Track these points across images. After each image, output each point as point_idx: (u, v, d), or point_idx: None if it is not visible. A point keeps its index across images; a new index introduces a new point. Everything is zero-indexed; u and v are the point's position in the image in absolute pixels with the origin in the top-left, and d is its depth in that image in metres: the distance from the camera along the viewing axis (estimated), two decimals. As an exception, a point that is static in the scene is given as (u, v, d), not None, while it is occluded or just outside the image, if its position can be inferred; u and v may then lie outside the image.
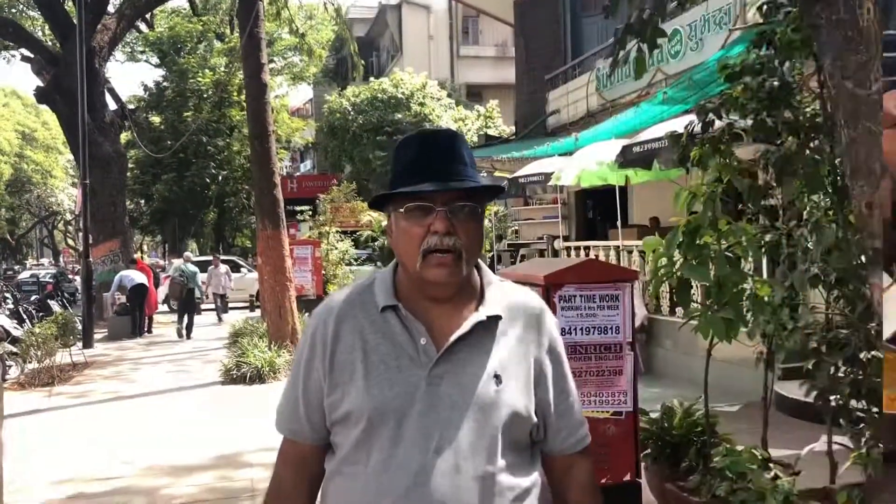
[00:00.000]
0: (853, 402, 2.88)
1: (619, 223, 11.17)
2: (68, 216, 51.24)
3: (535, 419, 1.50)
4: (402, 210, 1.48)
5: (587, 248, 11.83)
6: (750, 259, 4.06)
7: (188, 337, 15.91)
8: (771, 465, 3.95)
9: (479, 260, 1.57)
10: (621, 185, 11.44)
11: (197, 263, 18.83)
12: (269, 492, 1.59)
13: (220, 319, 18.75)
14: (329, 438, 1.53)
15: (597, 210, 16.03)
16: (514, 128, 20.51)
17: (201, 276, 18.07)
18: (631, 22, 2.73)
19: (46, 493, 5.50)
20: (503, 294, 1.56)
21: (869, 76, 2.00)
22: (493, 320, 1.50)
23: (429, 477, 1.38)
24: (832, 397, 3.02)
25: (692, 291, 4.34)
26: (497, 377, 1.45)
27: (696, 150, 3.72)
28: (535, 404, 1.50)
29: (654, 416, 4.73)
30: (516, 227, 19.44)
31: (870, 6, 1.98)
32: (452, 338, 1.47)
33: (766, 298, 3.91)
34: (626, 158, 9.21)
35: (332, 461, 1.51)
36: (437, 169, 1.47)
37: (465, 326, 1.48)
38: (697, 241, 4.06)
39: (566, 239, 14.64)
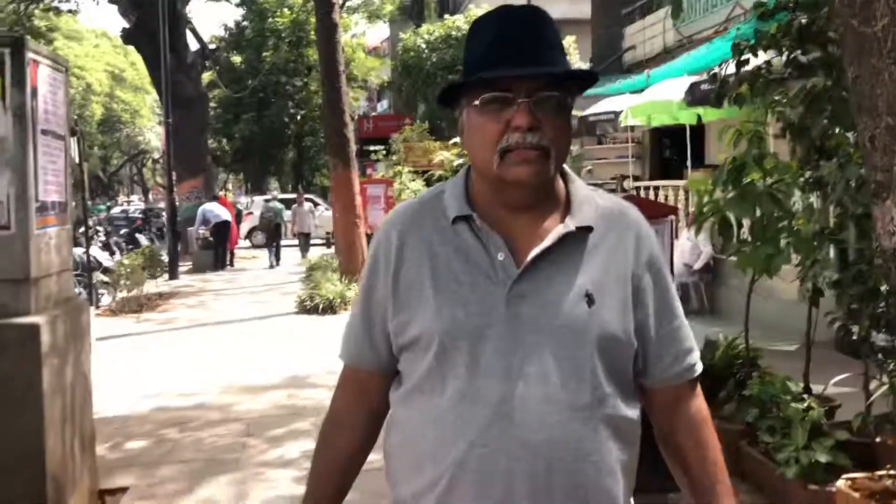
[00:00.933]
0: (877, 335, 2.95)
1: (688, 163, 11.05)
2: (156, 155, 53.10)
3: (635, 344, 1.30)
4: (476, 103, 1.27)
5: (656, 188, 11.75)
6: (797, 196, 4.10)
7: (277, 264, 17.41)
8: (805, 396, 4.05)
9: (565, 165, 1.35)
10: (692, 125, 11.27)
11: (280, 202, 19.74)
12: (325, 421, 1.44)
13: (303, 256, 18.62)
14: (394, 367, 1.37)
15: (673, 149, 15.77)
16: (589, 64, 20.17)
17: (286, 214, 19.03)
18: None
19: (134, 405, 6.04)
20: (594, 203, 1.34)
21: (875, 13, 2.06)
22: (584, 232, 1.30)
23: (513, 408, 1.21)
24: (854, 328, 3.11)
25: (741, 230, 4.40)
26: (589, 296, 1.26)
27: (743, 88, 3.76)
28: (633, 328, 1.30)
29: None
30: (590, 167, 19.30)
31: (878, -57, 2.02)
32: (535, 251, 1.27)
33: (801, 230, 3.97)
34: (695, 96, 9.07)
35: (400, 391, 1.35)
36: (518, 53, 1.25)
37: (551, 238, 1.28)
38: (742, 179, 4.13)
39: (637, 179, 14.52)
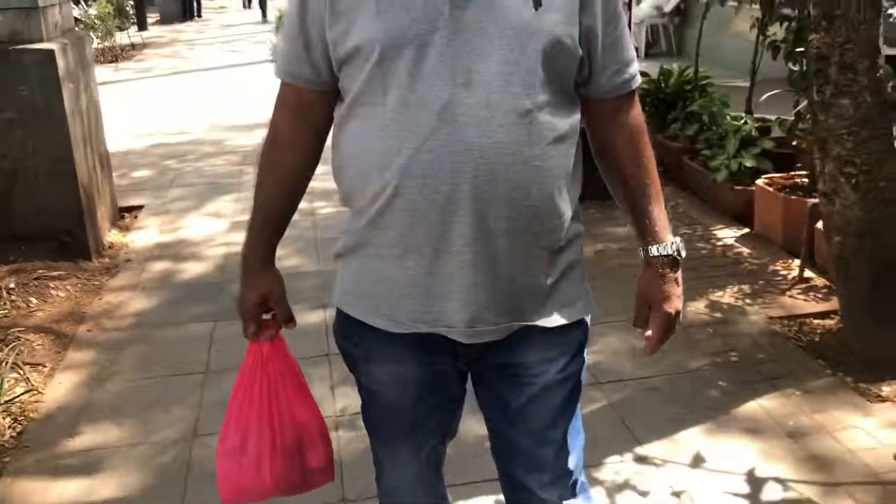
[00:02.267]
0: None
1: None
2: None
3: (580, 51, 1.27)
4: None
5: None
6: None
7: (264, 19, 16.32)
8: (742, 115, 4.57)
9: None
10: None
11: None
12: (268, 141, 1.40)
13: (263, 18, 16.72)
14: (335, 85, 1.34)
15: None
16: None
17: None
18: None
19: (130, 142, 6.46)
20: None
21: None
22: None
23: (455, 113, 1.20)
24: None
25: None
26: None
27: None
28: (580, 34, 1.26)
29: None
30: None
31: None
32: None
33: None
34: None
35: (342, 107, 1.33)
36: None
37: None
38: None
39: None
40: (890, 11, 3.44)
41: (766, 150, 4.25)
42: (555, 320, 1.34)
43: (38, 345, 3.13)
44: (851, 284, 2.86)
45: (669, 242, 1.35)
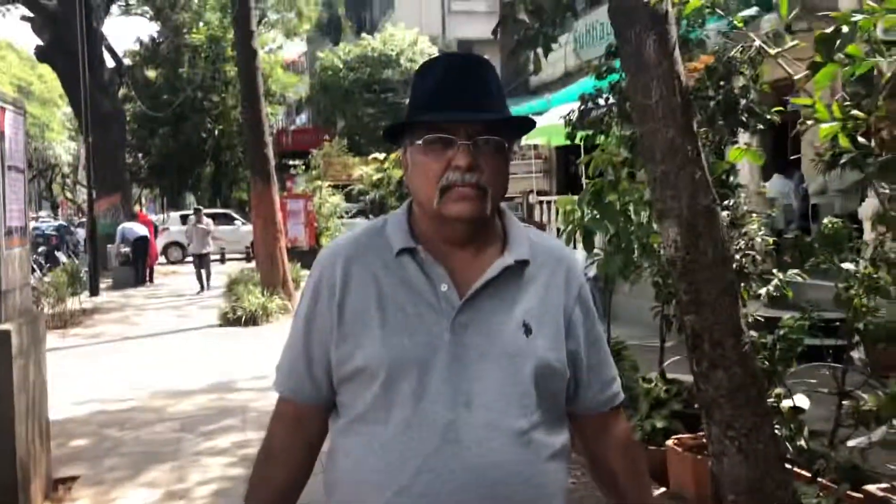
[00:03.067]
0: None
1: (583, 179, 12.08)
2: (66, 169, 51.86)
3: (567, 373, 1.38)
4: (420, 142, 1.35)
5: (549, 202, 12.82)
6: (644, 213, 5.03)
7: (208, 287, 15.67)
8: (653, 377, 4.97)
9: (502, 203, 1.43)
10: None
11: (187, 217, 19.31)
12: (260, 452, 1.44)
13: (202, 287, 15.81)
14: (332, 399, 1.39)
15: (578, 166, 16.90)
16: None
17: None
18: (520, 38, 3.63)
19: (71, 410, 6.53)
20: (528, 239, 1.42)
21: (650, 92, 2.94)
22: (521, 266, 1.38)
23: (459, 434, 1.26)
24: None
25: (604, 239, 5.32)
26: (526, 326, 1.33)
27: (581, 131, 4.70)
28: (566, 357, 1.38)
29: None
30: (500, 182, 20.36)
31: (650, 43, 2.90)
32: (479, 283, 1.34)
33: (655, 245, 4.89)
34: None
35: (340, 422, 1.37)
36: (461, 98, 1.33)
37: (493, 271, 1.35)
38: (601, 199, 5.04)
39: (544, 193, 15.59)
40: (759, 292, 3.99)
41: (675, 411, 4.59)
42: None
43: None
44: (750, 541, 3.07)
45: None
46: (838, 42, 2.35)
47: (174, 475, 4.88)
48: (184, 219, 22.45)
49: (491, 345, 1.31)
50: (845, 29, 2.47)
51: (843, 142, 2.86)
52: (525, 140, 12.39)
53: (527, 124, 1.44)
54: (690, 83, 4.10)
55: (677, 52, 2.98)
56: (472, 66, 1.38)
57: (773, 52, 3.44)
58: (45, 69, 36.24)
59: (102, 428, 6.05)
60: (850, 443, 2.95)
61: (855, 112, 2.63)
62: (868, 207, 6.51)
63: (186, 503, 4.49)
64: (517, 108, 14.69)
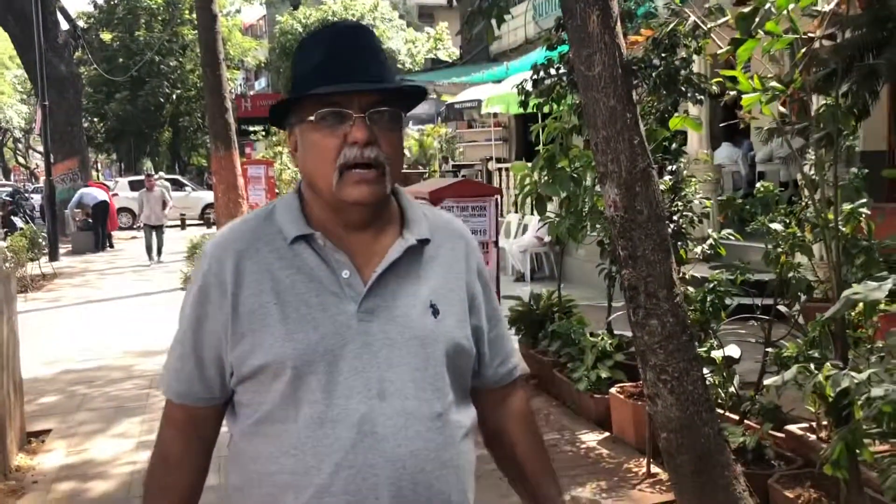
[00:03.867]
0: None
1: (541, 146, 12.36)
2: (17, 133, 50.66)
3: (474, 350, 1.37)
4: (311, 118, 1.26)
5: (507, 169, 13.09)
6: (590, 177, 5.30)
7: (159, 260, 15.05)
8: (600, 332, 5.29)
9: None
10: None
11: (138, 183, 19.19)
12: (154, 458, 1.37)
13: (150, 257, 15.01)
14: (227, 398, 1.33)
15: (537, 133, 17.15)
16: (459, 52, 21.35)
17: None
18: (473, 9, 3.83)
19: (39, 370, 6.67)
20: (424, 216, 1.38)
21: (593, 63, 3.18)
22: (422, 244, 1.33)
23: (375, 425, 1.22)
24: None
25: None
26: (434, 307, 1.30)
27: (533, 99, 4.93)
28: (471, 333, 1.36)
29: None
30: (461, 149, 20.56)
31: (594, 17, 3.14)
32: (381, 266, 1.29)
33: (600, 207, 5.17)
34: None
35: (242, 424, 1.30)
36: (352, 68, 1.26)
37: (395, 253, 1.30)
38: (554, 165, 5.30)
39: (500, 161, 15.84)
40: (696, 250, 4.31)
41: (619, 363, 4.92)
42: None
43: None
44: (678, 474, 3.40)
45: None
46: (757, 20, 2.61)
47: (145, 427, 5.09)
48: (133, 185, 22.50)
49: (399, 330, 1.27)
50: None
51: (766, 111, 3.16)
52: (484, 108, 12.57)
53: (419, 94, 1.37)
54: (638, 54, 4.38)
55: (619, 27, 3.22)
56: (357, 35, 1.31)
57: (707, 27, 3.72)
58: (-5, 31, 35.36)
59: (70, 386, 6.22)
60: (767, 382, 3.27)
61: (773, 84, 2.91)
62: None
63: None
64: (477, 76, 14.86)
